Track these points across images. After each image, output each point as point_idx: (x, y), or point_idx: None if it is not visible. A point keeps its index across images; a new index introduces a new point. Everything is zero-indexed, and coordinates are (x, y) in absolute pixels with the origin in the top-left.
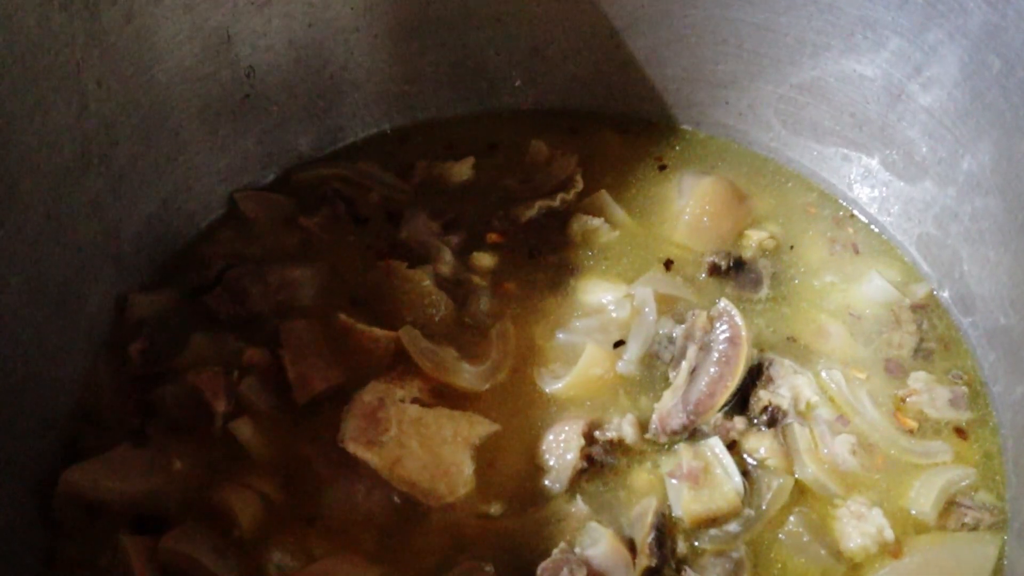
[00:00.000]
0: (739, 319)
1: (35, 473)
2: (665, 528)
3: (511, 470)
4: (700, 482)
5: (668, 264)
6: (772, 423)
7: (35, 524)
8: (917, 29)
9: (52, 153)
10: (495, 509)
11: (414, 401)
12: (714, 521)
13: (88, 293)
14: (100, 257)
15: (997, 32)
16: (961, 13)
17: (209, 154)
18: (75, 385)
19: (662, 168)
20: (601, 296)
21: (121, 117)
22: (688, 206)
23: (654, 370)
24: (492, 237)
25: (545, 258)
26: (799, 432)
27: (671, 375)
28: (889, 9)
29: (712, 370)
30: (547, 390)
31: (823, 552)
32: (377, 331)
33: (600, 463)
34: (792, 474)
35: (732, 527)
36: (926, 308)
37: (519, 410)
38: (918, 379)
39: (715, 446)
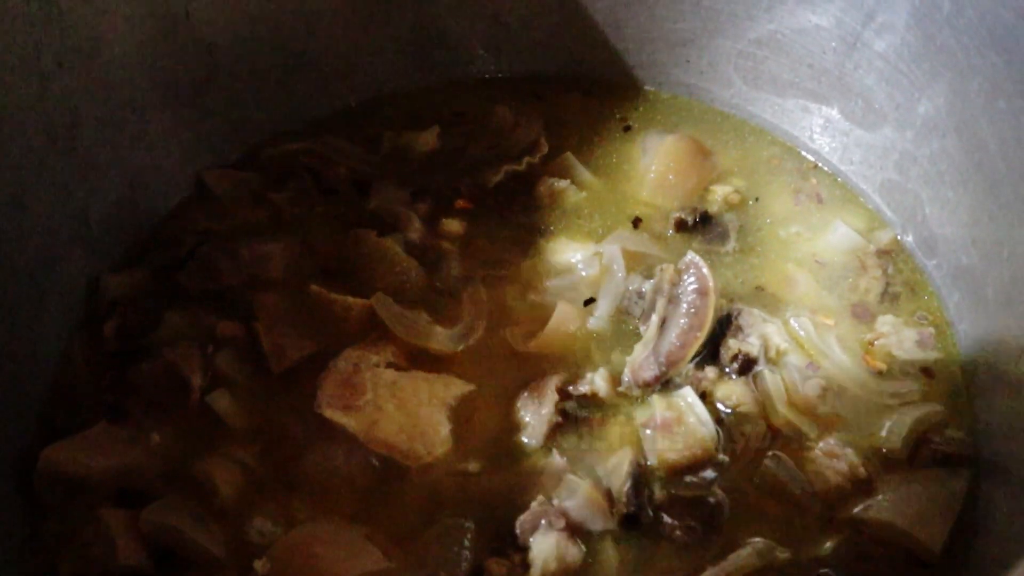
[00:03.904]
0: (706, 270)
1: (13, 453)
2: (641, 476)
3: (487, 428)
4: (674, 431)
5: (636, 222)
6: (743, 371)
7: (15, 503)
8: None
9: (15, 136)
10: (473, 467)
11: (389, 366)
12: (689, 468)
13: (59, 275)
14: (69, 240)
15: None
16: None
17: (175, 133)
18: (50, 365)
19: (627, 129)
20: (570, 256)
21: (84, 98)
22: (653, 164)
23: (625, 325)
24: (460, 203)
25: (514, 221)
26: (770, 379)
27: (642, 329)
28: None
29: (682, 321)
30: (520, 349)
31: (798, 493)
32: (350, 299)
33: (575, 417)
34: (765, 419)
35: (707, 473)
36: (891, 253)
37: (493, 370)
38: (885, 322)
39: (688, 396)
